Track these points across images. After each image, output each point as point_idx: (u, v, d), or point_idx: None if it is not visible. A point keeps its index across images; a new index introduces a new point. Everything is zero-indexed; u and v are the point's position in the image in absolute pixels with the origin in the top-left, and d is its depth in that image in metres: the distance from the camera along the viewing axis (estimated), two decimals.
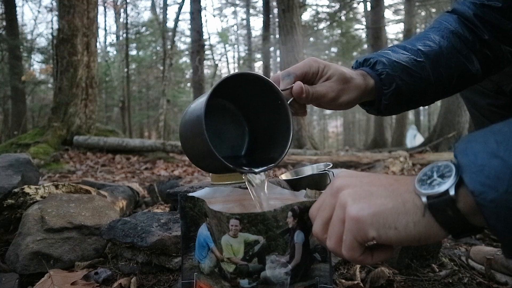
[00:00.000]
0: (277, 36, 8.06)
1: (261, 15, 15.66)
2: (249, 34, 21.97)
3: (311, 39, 13.58)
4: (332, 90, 0.63)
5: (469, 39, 0.69)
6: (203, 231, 0.52)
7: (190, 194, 0.53)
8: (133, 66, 15.77)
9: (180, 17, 12.24)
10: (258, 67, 21.70)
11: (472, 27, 0.69)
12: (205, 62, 13.37)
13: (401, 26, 12.37)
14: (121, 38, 17.52)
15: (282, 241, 0.47)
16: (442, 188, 0.33)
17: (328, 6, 14.81)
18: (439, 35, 0.70)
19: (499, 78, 0.88)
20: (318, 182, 1.10)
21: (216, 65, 16.49)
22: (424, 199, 0.34)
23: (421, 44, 0.69)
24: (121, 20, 17.03)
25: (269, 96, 0.62)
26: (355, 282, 0.81)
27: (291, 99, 0.62)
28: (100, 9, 16.17)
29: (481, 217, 0.31)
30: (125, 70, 13.15)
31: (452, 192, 0.32)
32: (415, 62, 0.67)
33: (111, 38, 20.40)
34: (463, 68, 0.69)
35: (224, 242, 0.48)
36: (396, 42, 17.11)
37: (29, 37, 14.02)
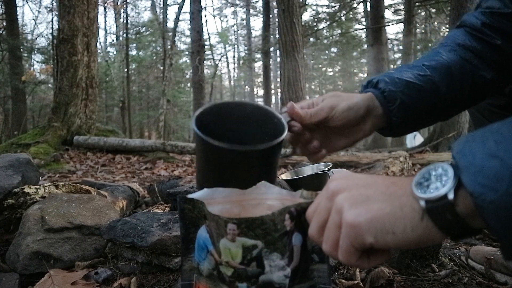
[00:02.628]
0: (277, 36, 8.06)
1: (261, 15, 15.67)
2: (249, 34, 21.98)
3: (311, 39, 13.56)
4: (326, 103, 0.64)
5: (478, 49, 0.68)
6: (202, 233, 0.52)
7: (189, 196, 0.52)
8: (133, 66, 15.76)
9: (180, 17, 12.25)
10: (258, 67, 21.73)
11: (481, 36, 0.68)
12: (205, 62, 13.37)
13: (401, 26, 12.38)
14: (121, 38, 17.53)
15: (281, 244, 0.47)
16: (441, 192, 0.32)
17: (328, 6, 14.81)
18: (446, 50, 0.69)
19: None
20: (318, 182, 1.10)
21: (216, 65, 16.49)
22: (422, 203, 0.33)
23: (426, 60, 0.69)
24: (121, 20, 17.05)
25: (266, 121, 0.63)
26: (355, 282, 0.81)
27: (289, 119, 0.63)
28: (100, 9, 16.19)
29: (480, 219, 0.30)
30: (125, 70, 13.15)
31: (451, 196, 0.32)
32: (419, 77, 0.66)
33: (111, 38, 20.42)
34: (475, 77, 0.68)
35: (222, 245, 0.48)
36: (396, 42, 17.11)
37: (29, 37, 14.03)
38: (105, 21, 21.51)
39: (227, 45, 20.95)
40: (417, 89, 0.65)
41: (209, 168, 0.60)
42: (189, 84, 17.92)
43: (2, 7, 10.23)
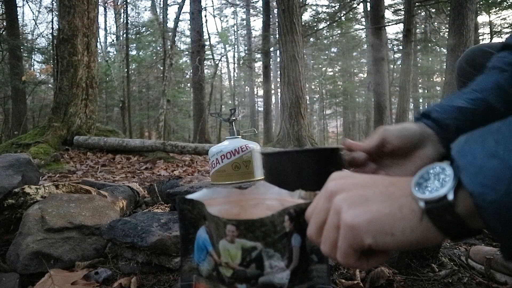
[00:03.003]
0: (277, 36, 8.06)
1: (261, 15, 15.66)
2: (249, 34, 21.98)
3: (311, 39, 13.56)
4: (379, 129, 0.64)
5: None
6: (202, 234, 0.52)
7: (188, 197, 0.52)
8: (133, 66, 15.76)
9: (180, 17, 12.23)
10: (258, 67, 21.72)
11: None
12: (205, 62, 13.36)
13: (401, 26, 12.37)
14: (121, 38, 17.54)
15: (280, 245, 0.47)
16: (440, 192, 0.32)
17: (328, 6, 14.80)
18: (495, 72, 0.69)
19: None
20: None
21: (216, 65, 16.49)
22: (421, 204, 0.33)
23: (476, 84, 0.68)
24: (121, 20, 17.05)
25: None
26: (355, 282, 0.81)
27: (343, 150, 0.65)
28: (100, 9, 16.18)
29: (480, 219, 0.30)
30: (125, 70, 13.15)
31: (450, 197, 0.32)
32: (471, 101, 0.65)
33: (111, 38, 20.42)
34: None
35: (222, 246, 0.48)
36: (396, 42, 17.10)
37: (29, 37, 14.03)
38: (105, 21, 21.41)
39: (227, 45, 20.94)
40: (471, 112, 0.65)
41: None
42: (189, 84, 17.93)
43: (2, 7, 10.23)
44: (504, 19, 12.26)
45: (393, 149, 0.64)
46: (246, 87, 24.75)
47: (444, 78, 7.81)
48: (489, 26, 12.93)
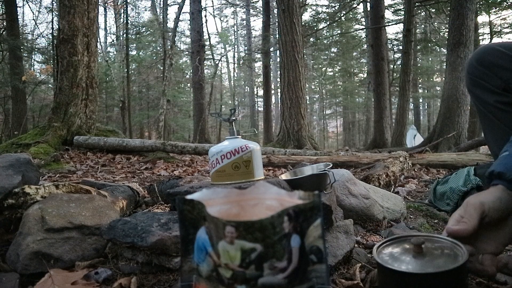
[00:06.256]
0: (277, 36, 8.06)
1: (261, 15, 15.66)
2: (249, 34, 22.00)
3: (311, 39, 13.55)
4: (472, 203, 0.64)
5: None
6: (201, 234, 0.52)
7: (188, 197, 0.52)
8: (133, 66, 15.75)
9: (180, 17, 12.21)
10: (258, 67, 21.71)
11: None
12: (205, 62, 13.37)
13: (401, 26, 12.36)
14: (121, 38, 17.55)
15: (280, 247, 0.47)
16: None
17: (328, 6, 14.80)
18: None
19: (508, 76, 0.89)
20: (318, 182, 1.10)
21: (216, 65, 16.48)
22: None
23: None
24: (121, 20, 17.06)
25: None
26: (355, 282, 0.81)
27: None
28: (100, 9, 16.18)
29: None
30: (125, 70, 13.14)
31: None
32: None
33: (111, 38, 20.43)
34: None
35: (221, 248, 0.47)
36: (396, 42, 17.08)
37: (29, 37, 14.01)
38: (105, 21, 21.35)
39: (227, 45, 20.93)
40: None
41: None
42: (189, 84, 17.91)
43: (3, 7, 10.22)
44: (504, 19, 12.27)
45: (489, 221, 0.64)
46: (246, 87, 24.75)
47: (444, 78, 7.81)
48: (489, 26, 12.93)
